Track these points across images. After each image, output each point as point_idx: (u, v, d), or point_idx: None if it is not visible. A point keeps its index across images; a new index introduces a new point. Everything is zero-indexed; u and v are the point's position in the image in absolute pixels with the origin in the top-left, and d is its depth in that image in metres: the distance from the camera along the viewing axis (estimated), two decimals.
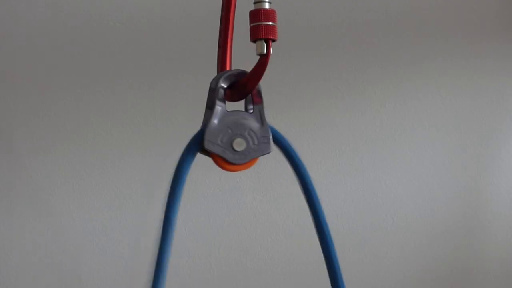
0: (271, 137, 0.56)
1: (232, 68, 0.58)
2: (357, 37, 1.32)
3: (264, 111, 0.55)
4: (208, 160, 0.57)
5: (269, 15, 0.53)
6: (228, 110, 0.55)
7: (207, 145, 0.53)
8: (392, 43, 1.34)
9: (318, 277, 1.35)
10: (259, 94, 0.56)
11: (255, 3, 0.54)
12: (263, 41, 0.53)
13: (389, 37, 1.34)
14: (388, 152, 1.35)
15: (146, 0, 1.23)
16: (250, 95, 0.56)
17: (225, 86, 0.55)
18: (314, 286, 1.34)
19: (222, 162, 0.54)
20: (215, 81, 0.54)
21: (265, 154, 0.56)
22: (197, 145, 0.54)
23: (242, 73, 0.56)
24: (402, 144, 1.35)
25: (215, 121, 0.53)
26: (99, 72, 1.22)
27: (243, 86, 0.55)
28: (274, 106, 1.30)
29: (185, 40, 1.24)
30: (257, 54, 0.54)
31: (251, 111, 0.56)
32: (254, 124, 0.55)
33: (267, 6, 0.53)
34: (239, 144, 0.54)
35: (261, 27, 0.53)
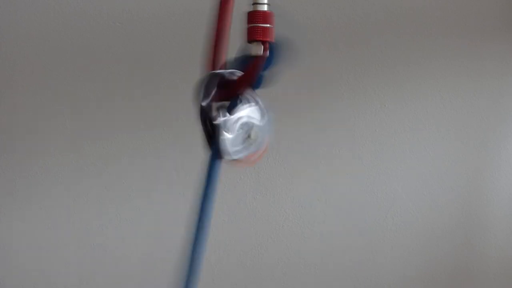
0: (265, 111, 0.56)
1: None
2: (357, 37, 1.32)
3: (251, 95, 0.55)
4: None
5: (267, 17, 0.53)
6: (226, 113, 0.55)
7: (232, 156, 0.55)
8: (392, 43, 1.33)
9: (318, 276, 1.35)
10: (246, 87, 0.56)
11: (253, 4, 0.54)
12: (260, 43, 0.53)
13: (389, 37, 1.33)
14: (388, 152, 1.35)
15: (147, 0, 1.23)
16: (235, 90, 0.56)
17: (216, 94, 0.55)
18: (314, 285, 1.34)
19: (243, 160, 0.55)
20: (206, 91, 0.54)
21: (270, 128, 0.57)
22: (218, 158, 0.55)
23: (230, 74, 0.56)
24: (402, 144, 1.35)
25: (226, 133, 0.54)
26: (99, 72, 1.22)
27: (235, 87, 0.55)
28: (274, 106, 1.30)
29: (187, 40, 1.24)
30: (252, 55, 0.54)
31: (243, 103, 0.56)
32: (252, 112, 0.56)
33: (265, 8, 0.53)
34: (255, 134, 0.55)
35: (259, 29, 0.53)
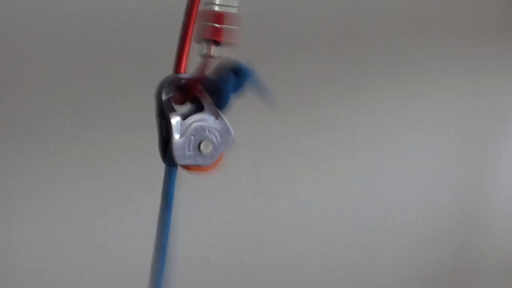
0: (230, 126, 0.56)
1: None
2: (357, 37, 1.32)
3: (212, 103, 0.55)
4: None
5: (217, 17, 0.53)
6: (181, 117, 0.55)
7: (180, 161, 0.54)
8: (392, 43, 1.33)
9: (318, 276, 1.35)
10: (202, 91, 0.55)
11: (205, 4, 0.53)
12: (205, 41, 0.53)
13: (389, 37, 1.33)
14: (388, 152, 1.35)
15: (147, 0, 1.23)
16: (195, 95, 0.56)
17: (170, 95, 0.55)
18: (314, 285, 1.34)
19: (196, 168, 0.55)
20: (159, 94, 0.54)
21: (232, 144, 0.56)
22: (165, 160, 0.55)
23: (183, 77, 0.56)
24: (402, 144, 1.35)
25: (177, 135, 0.53)
26: (99, 72, 1.22)
27: (189, 89, 0.55)
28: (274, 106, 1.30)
29: None
30: (199, 55, 0.54)
31: (203, 109, 0.56)
32: (210, 120, 0.55)
33: (216, 8, 0.53)
34: (206, 147, 0.54)
35: (206, 28, 0.52)
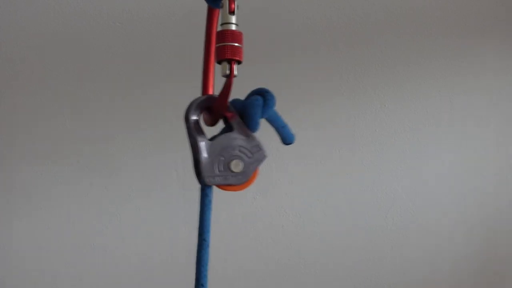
0: (261, 143, 0.56)
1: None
2: (357, 37, 1.32)
3: (241, 122, 0.56)
4: None
5: (235, 36, 0.53)
6: (210, 138, 0.55)
7: (209, 181, 0.55)
8: (392, 43, 1.34)
9: (318, 276, 1.35)
10: (230, 110, 0.56)
11: (221, 24, 0.53)
12: (227, 62, 0.53)
13: (389, 37, 1.33)
14: (388, 152, 1.35)
15: (147, 0, 1.23)
16: (224, 115, 0.56)
17: (196, 118, 0.55)
18: (314, 285, 1.34)
19: (229, 187, 0.56)
20: (187, 116, 0.55)
21: (264, 160, 0.56)
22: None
23: (209, 98, 0.56)
24: (402, 144, 1.35)
25: (204, 155, 0.54)
26: (99, 72, 1.22)
27: (216, 109, 0.55)
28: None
29: (187, 40, 1.25)
30: (222, 75, 0.54)
31: (232, 129, 0.56)
32: (240, 139, 0.55)
33: (233, 27, 0.53)
34: (236, 165, 0.55)
35: (227, 48, 0.52)
